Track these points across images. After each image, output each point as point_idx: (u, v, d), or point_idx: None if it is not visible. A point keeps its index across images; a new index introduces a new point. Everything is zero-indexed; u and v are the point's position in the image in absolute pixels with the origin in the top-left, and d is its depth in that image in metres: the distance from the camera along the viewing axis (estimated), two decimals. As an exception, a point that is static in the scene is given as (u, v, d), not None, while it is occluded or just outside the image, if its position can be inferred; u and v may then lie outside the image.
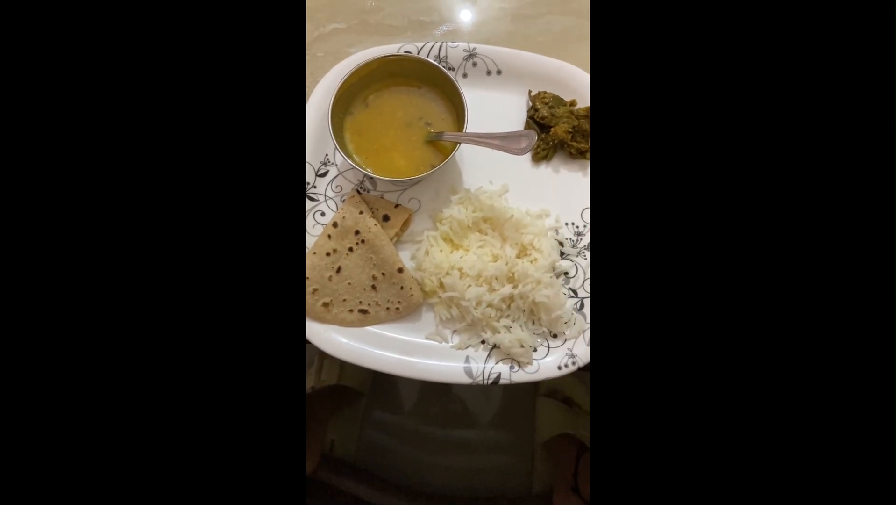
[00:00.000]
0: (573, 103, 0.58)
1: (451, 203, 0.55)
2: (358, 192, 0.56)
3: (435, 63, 0.54)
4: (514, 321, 0.51)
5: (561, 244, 0.54)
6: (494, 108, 0.59)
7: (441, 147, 0.55)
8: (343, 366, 0.65)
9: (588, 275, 0.53)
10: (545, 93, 0.58)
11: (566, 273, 0.54)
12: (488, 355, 0.52)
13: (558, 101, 0.58)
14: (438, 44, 0.59)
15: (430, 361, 0.51)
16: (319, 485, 0.71)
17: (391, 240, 0.54)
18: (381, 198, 0.57)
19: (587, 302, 0.53)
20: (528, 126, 0.58)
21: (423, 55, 0.58)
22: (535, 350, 0.51)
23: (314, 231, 0.55)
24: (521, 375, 0.50)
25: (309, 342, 0.52)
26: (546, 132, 0.57)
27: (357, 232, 0.54)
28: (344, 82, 0.53)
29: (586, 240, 0.54)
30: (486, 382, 0.50)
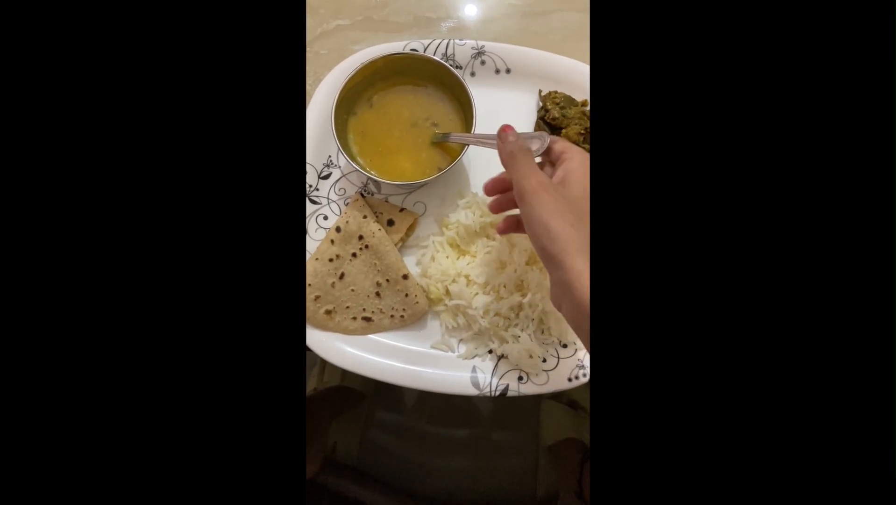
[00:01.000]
0: (585, 104, 0.56)
1: (458, 207, 0.54)
2: (362, 195, 0.54)
3: (442, 61, 0.52)
4: (522, 331, 0.50)
5: (571, 251, 0.52)
6: (503, 108, 0.56)
7: (448, 149, 0.53)
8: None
9: None
10: (556, 93, 0.56)
11: (577, 281, 0.52)
12: (496, 366, 0.50)
13: (570, 101, 0.56)
14: (445, 41, 0.57)
15: (435, 371, 0.50)
16: (322, 489, 0.70)
17: (396, 245, 0.52)
18: (386, 201, 0.55)
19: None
20: (538, 127, 0.56)
21: (429, 53, 0.56)
22: (544, 361, 0.50)
23: (316, 235, 0.54)
24: (530, 387, 0.49)
25: (311, 349, 0.51)
26: (557, 134, 0.55)
27: (361, 237, 0.52)
28: (348, 81, 0.51)
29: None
30: (493, 393, 0.49)
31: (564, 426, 0.78)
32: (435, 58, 0.52)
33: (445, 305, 0.51)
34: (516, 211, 0.45)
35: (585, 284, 0.33)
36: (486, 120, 0.51)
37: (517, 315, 0.50)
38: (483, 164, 0.55)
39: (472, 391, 0.49)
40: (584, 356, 0.50)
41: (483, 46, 0.57)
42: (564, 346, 0.51)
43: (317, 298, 0.51)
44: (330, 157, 0.55)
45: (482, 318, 0.49)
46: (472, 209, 0.53)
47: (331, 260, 0.52)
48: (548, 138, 0.41)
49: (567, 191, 0.38)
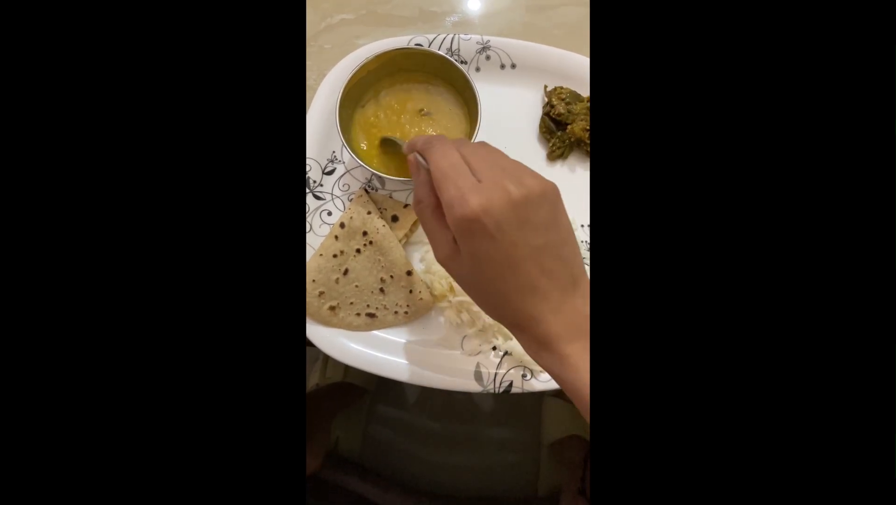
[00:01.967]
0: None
1: (462, 203, 0.53)
2: (366, 191, 0.54)
3: (447, 57, 0.51)
4: (526, 327, 0.49)
5: (576, 247, 0.52)
6: (508, 103, 0.56)
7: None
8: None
9: None
10: (562, 88, 0.55)
11: (582, 277, 0.52)
12: (500, 362, 0.50)
13: (575, 96, 0.55)
14: (450, 36, 0.56)
15: (439, 367, 0.50)
16: (324, 483, 0.71)
17: (400, 241, 0.52)
18: (390, 197, 0.55)
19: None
20: (543, 123, 0.56)
21: (434, 48, 0.55)
22: (548, 358, 0.49)
23: (320, 231, 0.53)
24: (534, 384, 0.49)
25: (314, 345, 0.51)
26: (562, 130, 0.54)
27: (365, 233, 0.52)
28: (352, 76, 0.51)
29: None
30: (497, 390, 0.49)
31: (567, 424, 0.78)
32: (440, 53, 0.52)
33: (449, 301, 0.51)
34: None
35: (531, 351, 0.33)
36: (492, 116, 0.51)
37: (521, 312, 0.50)
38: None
39: (476, 388, 0.49)
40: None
41: (488, 41, 0.56)
42: (569, 343, 0.50)
43: (321, 293, 0.51)
44: (334, 152, 0.55)
45: (486, 314, 0.49)
46: (476, 205, 0.52)
47: (335, 256, 0.52)
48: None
49: (460, 266, 0.33)
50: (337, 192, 0.55)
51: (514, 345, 0.49)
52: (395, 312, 0.52)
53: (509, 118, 0.56)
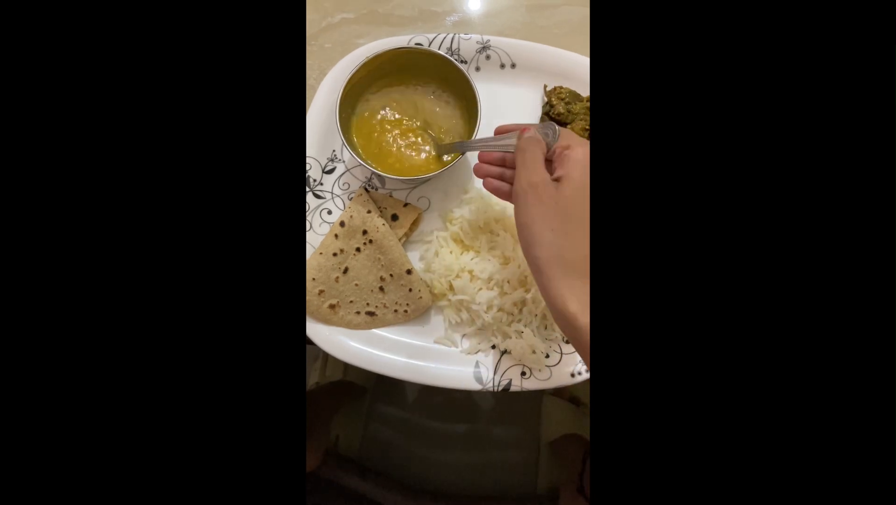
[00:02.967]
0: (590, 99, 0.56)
1: (461, 203, 0.54)
2: (366, 189, 0.54)
3: (448, 56, 0.52)
4: (525, 326, 0.50)
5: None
6: (508, 103, 0.56)
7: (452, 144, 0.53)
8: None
9: None
10: (561, 88, 0.56)
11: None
12: (499, 361, 0.50)
13: (575, 96, 0.55)
14: (450, 35, 0.56)
15: (438, 366, 0.50)
16: (324, 482, 0.71)
17: (400, 240, 0.52)
18: (390, 196, 0.55)
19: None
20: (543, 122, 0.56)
21: (434, 47, 0.55)
22: (547, 356, 0.50)
23: (321, 230, 0.54)
24: (533, 383, 0.49)
25: (315, 343, 0.51)
26: (561, 130, 0.55)
27: (365, 232, 0.52)
28: (352, 76, 0.51)
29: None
30: (496, 388, 0.49)
31: (566, 422, 0.78)
32: (440, 52, 0.52)
33: (449, 300, 0.51)
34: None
35: (562, 297, 0.33)
36: (491, 115, 0.51)
37: (520, 311, 0.50)
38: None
39: (475, 386, 0.49)
40: (587, 352, 0.50)
41: (488, 41, 0.56)
42: (567, 341, 0.51)
43: (321, 292, 0.51)
44: (334, 151, 0.55)
45: (485, 313, 0.49)
46: (476, 205, 0.53)
47: (335, 254, 0.52)
48: (558, 130, 0.40)
49: (560, 190, 0.36)
50: (337, 190, 0.55)
51: (513, 344, 0.49)
52: (395, 311, 0.52)
53: (509, 117, 0.56)
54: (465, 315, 0.51)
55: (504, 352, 0.50)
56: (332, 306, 0.51)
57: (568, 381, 0.49)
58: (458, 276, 0.50)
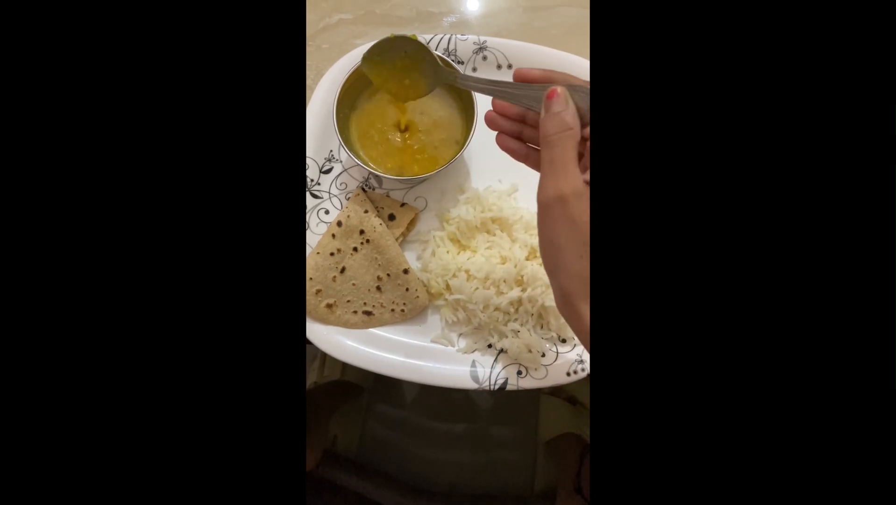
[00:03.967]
0: (586, 100, 0.56)
1: (458, 203, 0.54)
2: (363, 189, 0.54)
3: (444, 57, 0.52)
4: (522, 325, 0.50)
5: (571, 246, 0.52)
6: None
7: (449, 145, 0.53)
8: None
9: None
10: (558, 89, 0.56)
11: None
12: (495, 360, 0.50)
13: (571, 97, 0.56)
14: (447, 36, 0.57)
15: (435, 365, 0.50)
16: (322, 481, 0.71)
17: (397, 240, 0.53)
18: (387, 196, 0.55)
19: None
20: (539, 123, 0.56)
21: (431, 48, 0.56)
22: (543, 355, 0.50)
23: (318, 229, 0.54)
24: (529, 381, 0.49)
25: (312, 343, 0.51)
26: (558, 130, 0.55)
27: (362, 231, 0.52)
28: (350, 76, 0.51)
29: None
30: (492, 387, 0.49)
31: (563, 422, 0.78)
32: (437, 53, 0.52)
33: (446, 299, 0.51)
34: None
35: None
36: (488, 115, 0.51)
37: (517, 310, 0.50)
38: (486, 160, 0.55)
39: (472, 385, 0.49)
40: (583, 351, 0.50)
41: (485, 42, 0.57)
42: (563, 341, 0.51)
43: (318, 291, 0.51)
44: (331, 151, 0.56)
45: (482, 312, 0.49)
46: (472, 204, 0.53)
47: (332, 254, 0.52)
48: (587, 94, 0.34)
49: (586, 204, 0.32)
50: (334, 190, 0.55)
51: (509, 343, 0.49)
52: (392, 310, 0.52)
53: (506, 118, 0.56)
54: (461, 314, 0.51)
55: (500, 351, 0.50)
56: (329, 306, 0.52)
57: (564, 380, 0.49)
58: (454, 275, 0.51)
